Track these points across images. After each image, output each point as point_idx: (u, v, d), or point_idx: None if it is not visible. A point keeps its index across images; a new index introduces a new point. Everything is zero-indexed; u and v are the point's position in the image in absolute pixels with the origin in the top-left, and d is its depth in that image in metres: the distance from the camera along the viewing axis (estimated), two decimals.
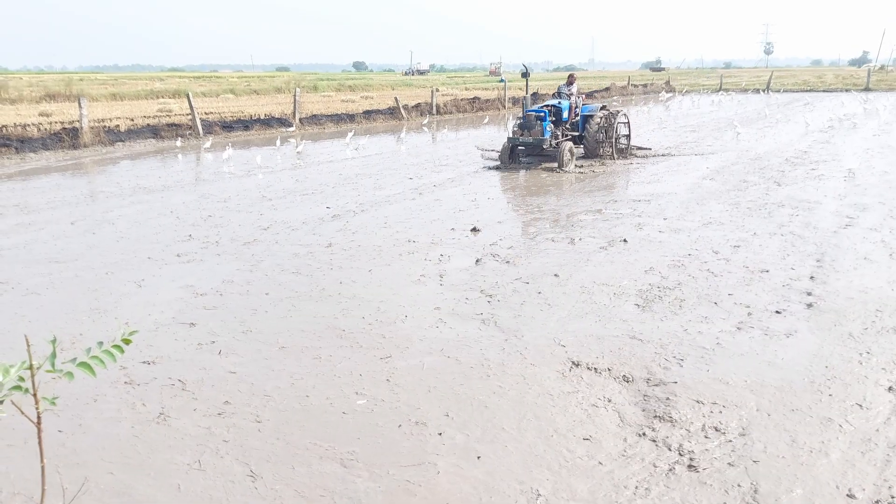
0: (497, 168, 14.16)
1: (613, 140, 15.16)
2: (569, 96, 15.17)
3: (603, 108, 15.56)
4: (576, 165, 14.16)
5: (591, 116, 15.02)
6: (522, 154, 14.76)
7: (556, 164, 13.85)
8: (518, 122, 14.48)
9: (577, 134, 15.07)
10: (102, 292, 6.56)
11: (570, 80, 15.79)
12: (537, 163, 14.54)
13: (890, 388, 4.41)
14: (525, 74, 15.70)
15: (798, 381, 4.52)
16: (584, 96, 16.01)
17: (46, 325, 5.70)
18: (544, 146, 13.76)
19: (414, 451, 3.77)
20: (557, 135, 14.24)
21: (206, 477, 3.55)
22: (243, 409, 4.25)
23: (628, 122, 15.87)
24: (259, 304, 6.19)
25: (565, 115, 14.63)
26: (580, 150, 15.31)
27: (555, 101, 14.79)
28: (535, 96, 16.35)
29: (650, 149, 16.58)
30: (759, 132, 21.01)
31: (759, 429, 3.93)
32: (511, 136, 14.18)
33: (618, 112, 15.46)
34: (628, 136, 16.04)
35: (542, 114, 13.94)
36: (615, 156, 15.28)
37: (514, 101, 35.69)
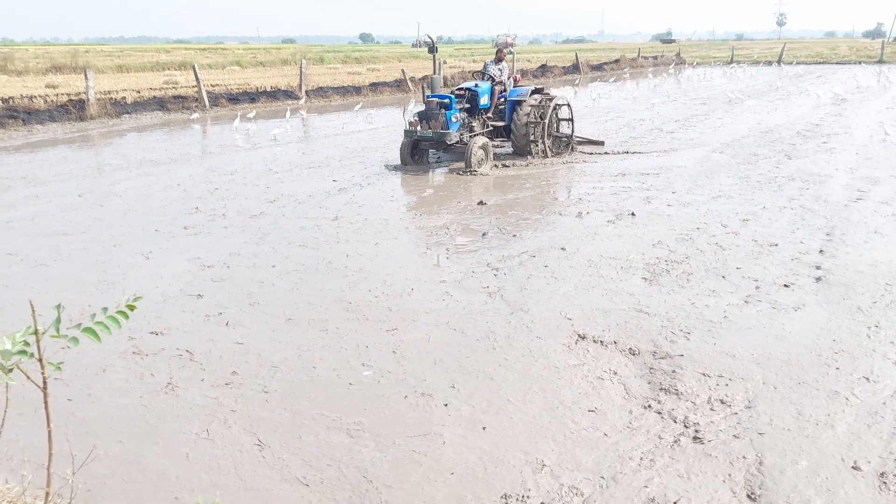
0: (396, 168, 11.33)
1: (545, 133, 11.86)
2: (492, 78, 12.08)
3: (537, 91, 12.25)
4: (497, 165, 11.35)
5: (520, 103, 11.82)
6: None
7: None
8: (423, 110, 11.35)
9: (504, 125, 12.13)
10: (110, 264, 6.59)
11: (499, 56, 12.34)
12: (454, 159, 11.86)
13: None
14: (432, 49, 12.63)
15: (805, 354, 4.51)
16: (519, 76, 13.00)
17: (55, 296, 5.73)
18: (448, 141, 10.74)
19: (420, 421, 3.79)
20: (473, 126, 11.33)
21: (214, 446, 3.59)
22: (251, 379, 4.28)
23: (570, 110, 12.55)
24: (266, 276, 6.20)
25: (484, 100, 11.63)
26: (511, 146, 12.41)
27: (470, 84, 11.92)
28: (482, 75, 12.40)
29: (602, 143, 13.31)
30: (771, 105, 20.76)
31: (766, 401, 3.93)
32: (408, 128, 11.17)
33: (554, 97, 12.21)
34: (570, 124, 12.69)
35: (447, 100, 10.89)
36: (549, 153, 12.04)
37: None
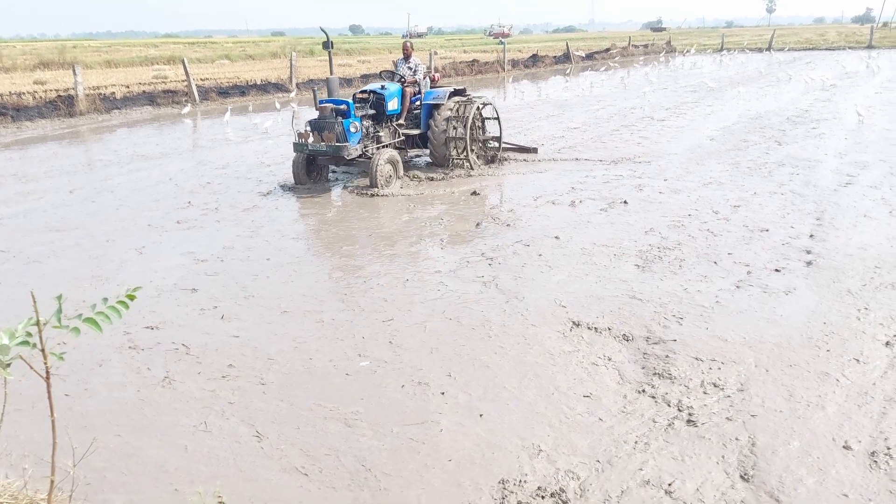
0: (286, 190, 9.47)
1: (468, 140, 10.04)
2: (402, 78, 10.42)
3: (457, 92, 10.48)
4: (418, 179, 9.83)
5: (438, 107, 10.12)
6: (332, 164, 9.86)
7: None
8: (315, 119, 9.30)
9: (419, 132, 10.37)
10: (104, 260, 6.58)
11: (408, 53, 10.58)
12: (360, 176, 10.08)
13: (887, 343, 4.45)
14: (327, 44, 10.37)
15: (796, 337, 4.56)
16: (436, 75, 11.23)
17: (49, 292, 5.69)
18: (346, 155, 8.95)
19: (417, 410, 3.82)
20: (380, 136, 9.66)
21: (213, 438, 3.61)
22: (247, 372, 4.30)
23: (496, 113, 10.89)
24: (260, 269, 6.21)
25: (392, 105, 9.85)
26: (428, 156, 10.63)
27: (376, 86, 9.93)
28: (392, 75, 10.69)
29: (535, 150, 11.51)
30: (760, 91, 20.82)
31: (758, 384, 3.98)
32: (297, 140, 9.16)
33: (477, 99, 10.44)
34: (497, 126, 11.01)
35: (344, 106, 9.07)
36: (472, 165, 10.26)
37: (514, 62, 35.30)
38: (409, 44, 10.71)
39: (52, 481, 2.09)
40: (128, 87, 21.84)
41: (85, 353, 4.56)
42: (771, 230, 6.91)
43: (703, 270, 5.85)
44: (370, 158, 9.22)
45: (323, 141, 9.01)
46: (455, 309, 5.18)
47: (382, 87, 9.83)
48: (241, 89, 22.74)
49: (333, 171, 10.37)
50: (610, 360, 4.35)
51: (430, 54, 30.61)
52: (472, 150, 10.38)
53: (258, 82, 23.92)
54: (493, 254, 6.41)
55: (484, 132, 10.86)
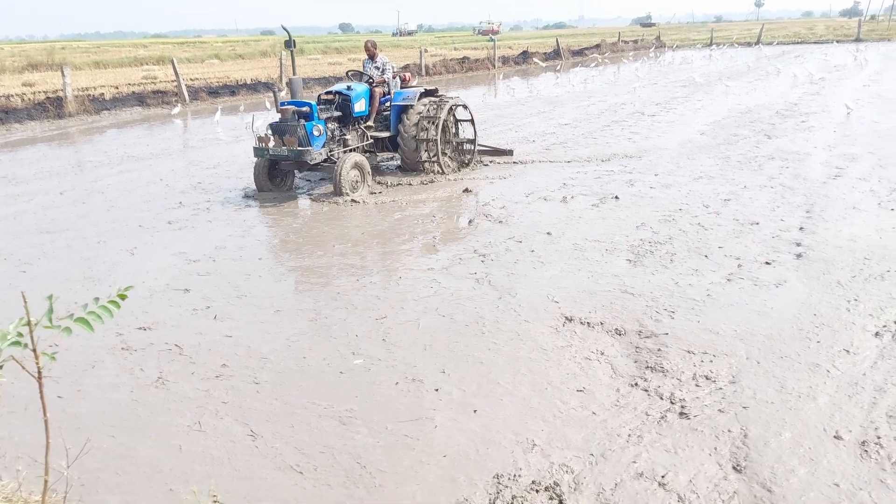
0: (246, 196, 9.03)
1: (439, 143, 9.68)
2: (370, 79, 9.86)
3: (428, 93, 10.09)
4: (385, 185, 9.35)
5: (408, 108, 9.71)
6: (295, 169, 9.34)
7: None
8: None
9: (388, 135, 9.93)
10: (95, 261, 6.56)
11: (371, 53, 10.05)
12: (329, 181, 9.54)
13: (877, 334, 4.49)
14: (289, 43, 9.71)
15: (787, 329, 4.60)
16: (407, 74, 10.69)
17: (40, 294, 5.67)
18: (309, 160, 8.54)
19: (411, 406, 3.83)
20: (347, 140, 9.23)
21: (207, 437, 3.61)
22: (241, 371, 4.30)
23: (470, 114, 10.41)
24: (252, 268, 6.20)
25: (359, 106, 9.39)
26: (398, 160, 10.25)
27: (342, 87, 9.48)
28: (360, 75, 10.00)
29: (511, 152, 11.07)
30: (750, 85, 20.90)
31: (749, 376, 4.01)
32: (257, 145, 8.74)
33: (449, 99, 10.03)
34: (472, 127, 10.54)
35: (307, 108, 8.68)
36: (444, 169, 9.84)
37: (504, 59, 35.30)
38: (369, 43, 10.13)
39: (46, 482, 2.09)
40: (117, 87, 21.73)
41: (78, 354, 4.55)
42: (761, 223, 6.95)
43: (695, 264, 5.88)
44: (332, 164, 8.85)
45: (284, 145, 8.56)
46: (448, 306, 5.19)
47: (348, 88, 9.39)
48: (231, 89, 22.67)
49: (308, 180, 10.02)
50: (603, 354, 4.37)
51: (421, 52, 30.58)
52: (445, 154, 10.01)
53: (248, 81, 23.86)
54: (486, 250, 6.42)
55: (458, 134, 10.45)
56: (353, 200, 8.47)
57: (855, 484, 3.08)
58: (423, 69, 29.28)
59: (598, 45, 45.86)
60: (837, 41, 46.28)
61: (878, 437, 3.39)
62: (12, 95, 18.60)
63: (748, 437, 3.43)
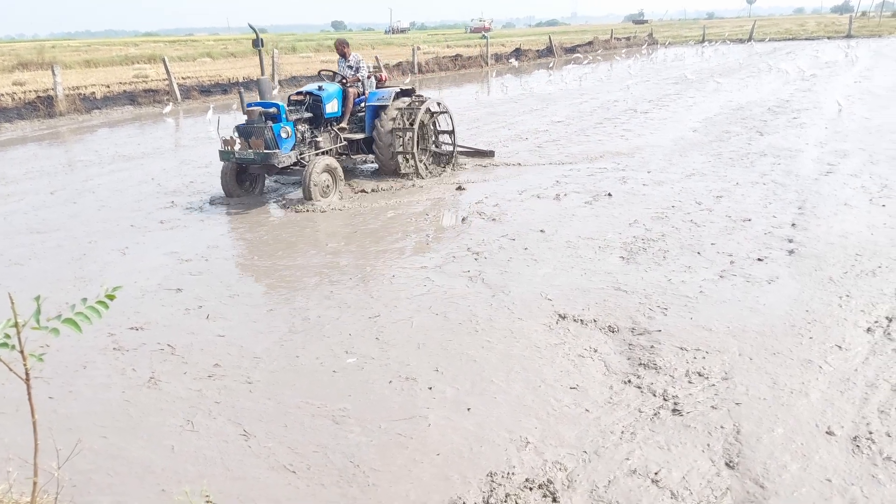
0: (213, 203, 8.65)
1: (416, 145, 9.31)
2: (344, 78, 9.48)
3: (404, 93, 9.73)
4: (358, 191, 8.89)
5: (383, 109, 9.32)
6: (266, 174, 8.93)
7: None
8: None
9: (363, 137, 9.48)
10: (86, 261, 6.53)
11: (341, 51, 9.76)
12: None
13: (868, 329, 4.50)
14: (256, 42, 9.70)
15: (779, 325, 4.61)
16: (383, 74, 10.43)
17: (31, 294, 5.65)
18: (277, 164, 8.11)
19: (405, 405, 3.82)
20: (318, 142, 8.76)
21: (200, 437, 3.59)
22: (233, 371, 4.28)
23: (449, 115, 10.03)
24: (245, 268, 6.18)
25: (331, 107, 9.01)
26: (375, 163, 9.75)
27: (313, 87, 9.07)
28: (333, 75, 9.71)
29: (492, 154, 10.75)
30: (741, 82, 20.96)
31: (742, 372, 4.02)
32: (223, 148, 8.32)
33: (427, 99, 9.67)
34: (451, 135, 10.19)
35: (274, 109, 8.25)
36: (422, 173, 9.47)
37: (497, 57, 35.28)
38: (340, 42, 9.87)
39: (35, 483, 2.07)
40: (108, 86, 21.63)
41: (69, 354, 4.53)
42: (753, 220, 6.96)
43: (687, 261, 5.89)
44: (302, 168, 8.38)
45: (250, 148, 8.15)
46: (441, 304, 5.18)
47: (320, 88, 8.96)
48: (224, 87, 22.59)
49: (282, 183, 9.58)
50: (596, 351, 4.38)
51: (413, 50, 30.54)
52: (423, 156, 9.66)
53: (240, 80, 23.76)
54: (479, 248, 6.42)
55: (437, 135, 10.08)
56: (320, 210, 7.98)
57: (847, 479, 3.09)
58: (416, 67, 29.24)
59: (590, 43, 45.92)
60: (828, 37, 46.48)
61: (870, 433, 3.41)
62: (2, 95, 18.51)
63: (741, 433, 3.44)
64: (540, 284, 5.49)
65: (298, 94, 9.06)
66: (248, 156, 8.14)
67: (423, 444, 3.46)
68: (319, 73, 9.91)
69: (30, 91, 19.39)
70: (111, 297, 1.91)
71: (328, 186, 8.39)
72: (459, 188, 8.85)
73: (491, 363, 4.25)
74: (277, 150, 8.11)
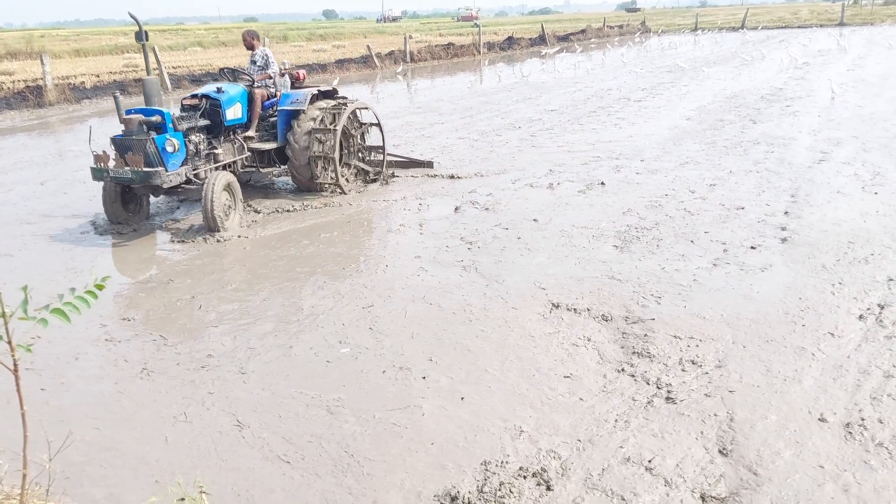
0: (96, 230, 7.19)
1: (339, 157, 8.05)
2: (251, 78, 8.11)
3: (324, 94, 8.51)
4: (261, 214, 7.57)
5: (298, 114, 8.04)
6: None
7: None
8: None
9: (275, 147, 8.13)
10: (77, 252, 6.48)
11: (248, 44, 8.39)
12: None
13: (861, 317, 4.52)
14: (140, 36, 8.50)
15: (773, 312, 4.62)
16: (300, 72, 8.96)
17: (21, 286, 5.63)
18: (160, 182, 6.66)
19: (399, 395, 3.82)
20: (217, 155, 7.41)
21: (193, 428, 3.58)
22: (227, 362, 4.26)
23: (380, 127, 8.80)
24: (237, 258, 6.15)
25: (233, 113, 7.63)
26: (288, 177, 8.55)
27: (210, 89, 7.67)
28: (234, 73, 8.30)
29: (430, 164, 9.40)
30: (735, 70, 20.94)
31: (735, 360, 4.03)
32: (95, 165, 6.84)
33: (350, 102, 8.42)
34: (381, 135, 8.85)
35: (158, 117, 6.79)
36: (345, 189, 8.16)
37: (490, 46, 35.15)
38: (247, 34, 8.49)
39: (25, 475, 2.06)
40: (98, 76, 21.46)
41: (61, 346, 4.50)
42: (747, 208, 6.97)
43: (681, 249, 5.89)
44: (202, 184, 6.85)
45: (127, 165, 6.63)
46: (435, 294, 5.17)
47: (218, 90, 7.56)
48: (215, 77, 22.39)
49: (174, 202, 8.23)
50: (590, 340, 4.38)
51: (405, 38, 30.37)
52: (347, 170, 8.44)
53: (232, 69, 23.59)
54: (473, 238, 6.40)
55: (363, 143, 8.79)
56: (216, 240, 6.64)
57: (839, 465, 3.10)
58: (408, 56, 29.10)
59: (583, 31, 45.79)
60: (821, 25, 46.47)
61: (862, 419, 3.42)
62: None
63: (734, 420, 3.45)
64: (534, 273, 5.48)
65: (193, 97, 7.60)
66: (126, 175, 6.66)
67: (417, 433, 3.46)
68: (221, 70, 8.66)
69: (19, 81, 19.22)
70: (100, 288, 1.89)
71: (229, 208, 6.95)
72: (452, 176, 8.79)
73: (485, 352, 4.25)
74: (161, 168, 6.68)
